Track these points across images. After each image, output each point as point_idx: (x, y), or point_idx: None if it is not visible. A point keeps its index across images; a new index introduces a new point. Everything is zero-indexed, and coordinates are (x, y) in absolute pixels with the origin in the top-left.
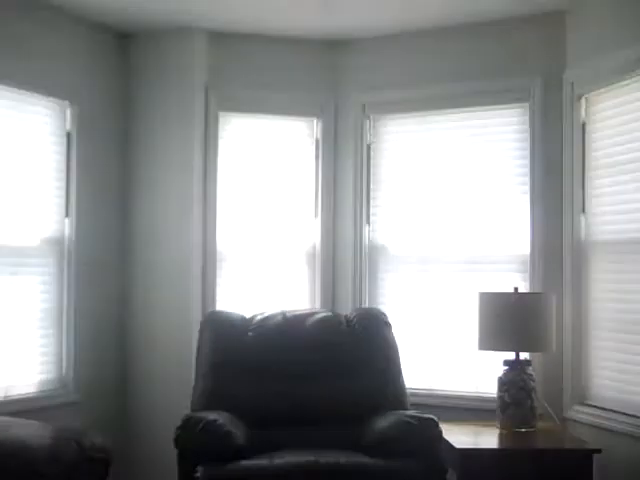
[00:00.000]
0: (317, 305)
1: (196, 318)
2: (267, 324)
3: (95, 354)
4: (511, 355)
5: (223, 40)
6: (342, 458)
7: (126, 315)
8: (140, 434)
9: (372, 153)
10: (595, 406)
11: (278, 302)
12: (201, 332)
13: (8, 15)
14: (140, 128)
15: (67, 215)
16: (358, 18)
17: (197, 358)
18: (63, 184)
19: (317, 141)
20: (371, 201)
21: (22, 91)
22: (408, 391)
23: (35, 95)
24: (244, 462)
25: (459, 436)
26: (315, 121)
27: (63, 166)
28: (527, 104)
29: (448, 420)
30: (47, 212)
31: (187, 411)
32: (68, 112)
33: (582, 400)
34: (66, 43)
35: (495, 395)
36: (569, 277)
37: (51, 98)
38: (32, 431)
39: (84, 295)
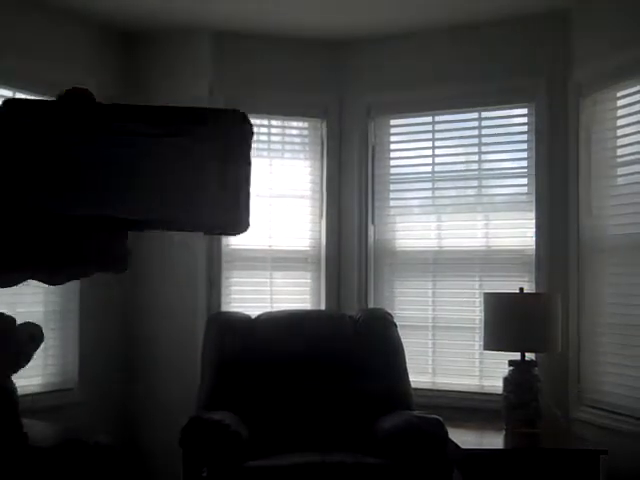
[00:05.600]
0: (322, 305)
1: (202, 318)
2: (272, 324)
3: (101, 354)
4: (517, 355)
5: (227, 40)
6: (348, 458)
7: (131, 315)
8: (145, 434)
9: (377, 154)
10: (601, 407)
11: (283, 302)
12: (206, 332)
13: (12, 16)
14: None
15: None
16: (363, 19)
17: (203, 358)
18: None
19: (322, 142)
20: (376, 201)
21: (27, 92)
22: (413, 391)
23: (40, 96)
24: (250, 462)
25: (464, 436)
26: (320, 122)
27: None
28: (532, 104)
29: (453, 420)
30: None
31: (193, 411)
32: None
33: (588, 401)
34: (70, 43)
35: (501, 395)
36: (575, 278)
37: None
38: (37, 431)
39: (89, 295)
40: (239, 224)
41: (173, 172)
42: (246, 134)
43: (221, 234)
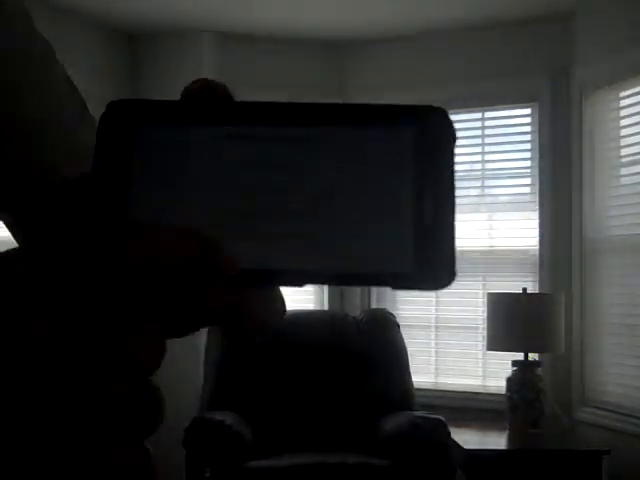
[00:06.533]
0: (325, 306)
1: None
2: (275, 325)
3: None
4: (520, 356)
5: (230, 41)
6: (350, 458)
7: None
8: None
9: None
10: (604, 408)
11: (286, 302)
12: (209, 333)
13: None
14: None
15: None
16: (363, 19)
17: (205, 358)
18: None
19: None
20: None
21: None
22: (416, 391)
23: None
24: (252, 463)
25: (467, 437)
26: None
27: None
28: (535, 104)
29: (456, 420)
30: None
31: (196, 411)
32: None
33: (591, 401)
34: (71, 44)
35: (504, 396)
36: (578, 278)
37: None
38: None
39: None
40: (443, 276)
41: (365, 202)
42: (451, 141)
43: (415, 289)
